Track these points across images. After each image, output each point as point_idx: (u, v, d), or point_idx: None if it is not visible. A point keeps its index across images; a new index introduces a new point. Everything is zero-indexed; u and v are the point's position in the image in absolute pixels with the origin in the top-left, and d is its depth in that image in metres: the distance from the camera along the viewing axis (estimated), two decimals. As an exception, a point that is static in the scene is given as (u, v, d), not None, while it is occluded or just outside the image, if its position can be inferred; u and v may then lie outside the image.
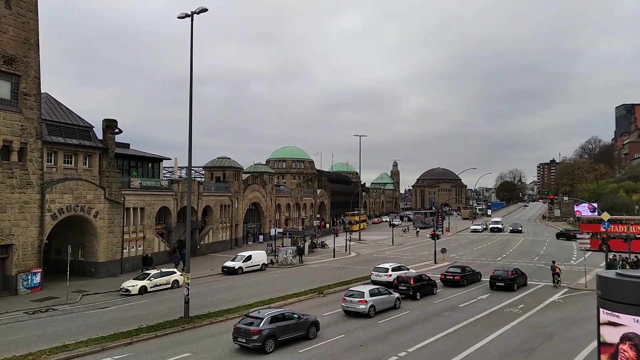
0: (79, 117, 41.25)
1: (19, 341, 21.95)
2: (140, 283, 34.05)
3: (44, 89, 35.71)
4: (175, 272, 36.91)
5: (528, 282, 36.40)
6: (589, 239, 39.20)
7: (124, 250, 42.97)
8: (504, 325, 24.63)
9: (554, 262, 36.85)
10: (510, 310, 28.12)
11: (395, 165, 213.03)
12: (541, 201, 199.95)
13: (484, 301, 30.91)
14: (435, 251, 50.50)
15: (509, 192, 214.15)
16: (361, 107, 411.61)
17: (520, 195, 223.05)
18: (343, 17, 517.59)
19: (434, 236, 51.59)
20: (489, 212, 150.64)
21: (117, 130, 42.74)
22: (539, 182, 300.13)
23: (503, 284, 34.01)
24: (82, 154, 39.83)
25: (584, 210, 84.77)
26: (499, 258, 52.73)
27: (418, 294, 31.59)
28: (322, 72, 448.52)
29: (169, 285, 35.65)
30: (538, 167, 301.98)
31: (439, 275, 37.56)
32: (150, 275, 35.25)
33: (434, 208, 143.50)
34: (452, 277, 36.15)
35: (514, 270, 35.28)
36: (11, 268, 32.69)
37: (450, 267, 38.82)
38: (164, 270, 37.00)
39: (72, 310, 28.93)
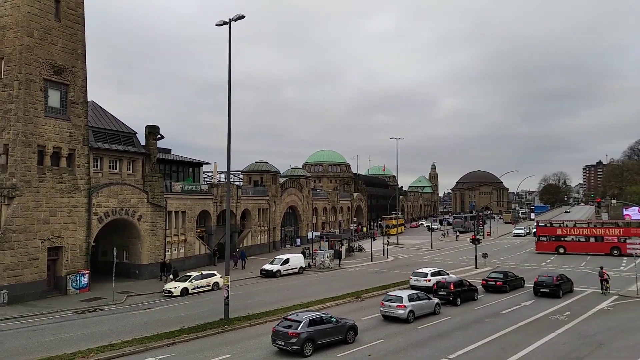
0: (123, 123, 42.74)
1: (68, 339, 22.87)
2: (182, 285, 34.85)
3: (89, 97, 37.24)
4: (215, 275, 37.56)
5: (574, 289, 35.03)
6: (638, 243, 37.48)
7: (166, 253, 44.13)
8: (549, 333, 23.77)
9: (601, 268, 35.32)
10: (556, 318, 27.12)
11: (433, 168, 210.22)
12: (589, 204, 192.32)
13: (527, 308, 29.96)
14: (476, 256, 49.38)
15: (553, 195, 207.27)
16: (395, 109, 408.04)
17: (565, 199, 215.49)
18: (374, 19, 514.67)
19: (475, 240, 50.46)
20: (532, 215, 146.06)
21: (159, 136, 44.01)
22: (584, 184, 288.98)
23: (548, 290, 32.87)
24: (126, 159, 41.21)
25: (634, 213, 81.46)
26: (543, 263, 51.01)
27: (458, 299, 30.94)
28: (354, 74, 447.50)
29: (210, 287, 36.33)
30: (584, 169, 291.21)
31: (480, 281, 36.69)
32: (192, 277, 36.02)
33: (474, 212, 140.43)
34: (494, 283, 35.24)
35: (559, 276, 34.03)
36: (61, 269, 34.13)
37: (492, 272, 37.86)
38: (204, 272, 37.73)
39: (118, 310, 29.92)
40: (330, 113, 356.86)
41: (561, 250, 58.18)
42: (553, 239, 59.14)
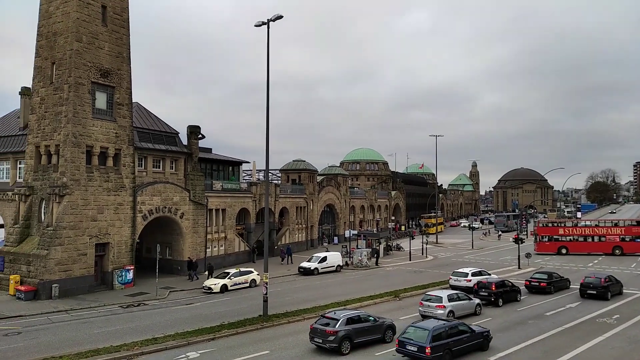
0: (166, 124, 43.98)
1: (114, 332, 23.79)
2: (222, 282, 35.57)
3: (133, 98, 38.42)
4: (252, 272, 38.14)
5: (624, 291, 33.57)
6: None
7: (207, 250, 45.13)
8: (596, 337, 22.88)
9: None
10: (604, 321, 26.05)
11: (474, 165, 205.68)
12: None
13: (573, 310, 28.91)
14: (519, 256, 48.08)
15: (601, 193, 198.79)
16: (433, 106, 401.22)
17: (615, 197, 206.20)
18: (410, 16, 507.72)
19: (518, 240, 49.14)
20: (579, 214, 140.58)
21: (200, 135, 45.03)
22: (635, 182, 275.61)
23: (595, 292, 31.62)
24: (169, 158, 42.39)
25: None
26: (590, 264, 49.09)
27: (500, 300, 30.22)
28: (391, 72, 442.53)
29: (247, 284, 36.96)
30: (635, 166, 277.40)
31: (523, 282, 35.70)
32: (231, 274, 36.71)
33: (517, 210, 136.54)
34: (537, 284, 34.20)
35: (608, 278, 32.67)
36: (108, 265, 35.50)
37: (536, 272, 36.75)
38: (242, 269, 38.34)
39: (161, 305, 30.87)
40: (366, 111, 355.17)
41: (563, 251, 57.25)
42: (555, 239, 58.02)
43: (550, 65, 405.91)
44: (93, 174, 34.33)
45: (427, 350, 18.32)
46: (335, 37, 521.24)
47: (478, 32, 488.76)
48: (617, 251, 55.65)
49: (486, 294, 30.42)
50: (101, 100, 35.40)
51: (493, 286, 30.59)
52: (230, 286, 35.78)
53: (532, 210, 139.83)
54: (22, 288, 31.30)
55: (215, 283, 35.43)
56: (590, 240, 57.26)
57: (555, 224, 62.21)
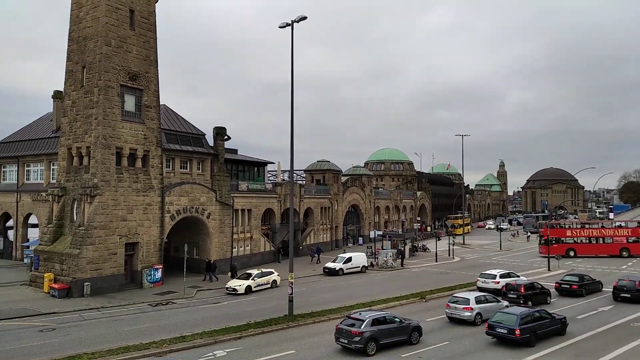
0: (193, 125, 44.64)
1: (144, 330, 24.26)
2: (246, 283, 35.22)
3: (160, 100, 39.07)
4: (273, 272, 37.86)
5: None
6: None
7: (233, 250, 45.60)
8: (630, 341, 22.17)
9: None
10: (639, 325, 25.23)
11: (502, 165, 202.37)
12: None
13: (606, 313, 28.09)
14: (548, 257, 46.97)
15: (635, 193, 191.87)
16: (458, 105, 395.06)
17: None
18: (433, 12, 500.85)
19: (548, 241, 48.03)
20: (611, 215, 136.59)
21: (226, 137, 45.55)
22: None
23: (629, 295, 30.66)
24: (195, 159, 43.02)
25: None
26: (624, 266, 47.61)
27: (529, 302, 29.56)
28: (413, 70, 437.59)
29: (269, 285, 36.86)
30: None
31: (553, 284, 34.88)
32: (254, 275, 36.41)
33: (546, 211, 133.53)
34: (568, 286, 33.37)
35: (643, 281, 31.63)
36: (137, 264, 36.23)
37: (567, 275, 35.87)
38: (263, 270, 37.79)
39: (189, 304, 31.33)
40: (390, 111, 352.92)
41: (571, 254, 55.35)
42: (563, 241, 56.15)
43: (575, 62, 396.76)
44: (123, 175, 35.09)
45: (516, 332, 20.93)
46: (356, 36, 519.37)
47: (500, 28, 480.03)
48: (624, 253, 54.33)
49: (515, 296, 29.86)
50: (130, 102, 36.16)
51: (522, 288, 30.02)
52: (254, 287, 35.66)
53: (562, 211, 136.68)
54: (56, 286, 32.24)
55: (239, 284, 35.20)
56: (596, 242, 55.67)
57: (564, 226, 60.37)
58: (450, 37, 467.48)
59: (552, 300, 31.37)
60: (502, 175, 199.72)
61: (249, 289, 35.14)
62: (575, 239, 56.40)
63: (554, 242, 55.19)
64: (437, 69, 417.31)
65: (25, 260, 43.10)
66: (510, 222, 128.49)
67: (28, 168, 48.02)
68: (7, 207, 49.23)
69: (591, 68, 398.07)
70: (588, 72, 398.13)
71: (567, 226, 60.14)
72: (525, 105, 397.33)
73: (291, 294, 26.82)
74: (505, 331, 21.28)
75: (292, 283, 27.11)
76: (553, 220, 76.24)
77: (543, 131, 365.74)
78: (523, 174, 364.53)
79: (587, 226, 58.96)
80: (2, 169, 51.28)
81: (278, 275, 37.81)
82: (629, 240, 54.88)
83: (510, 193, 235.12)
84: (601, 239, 55.70)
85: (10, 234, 50.55)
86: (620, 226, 57.61)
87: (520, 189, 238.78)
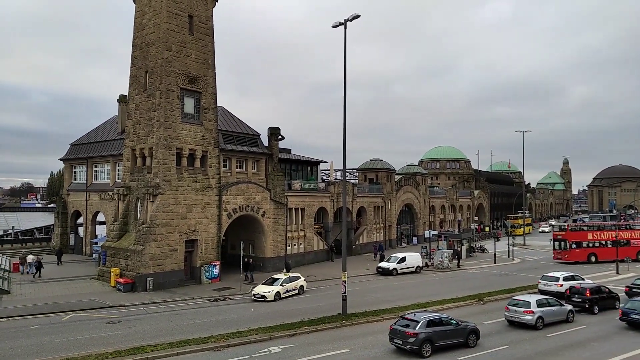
0: (248, 126, 45.68)
1: (202, 324, 25.12)
2: (275, 289, 32.50)
3: (217, 102, 40.25)
4: (299, 277, 35.30)
5: None
6: None
7: (287, 248, 46.27)
8: None
9: None
10: None
11: (565, 162, 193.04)
12: None
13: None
14: (617, 260, 44.27)
15: None
16: (517, 101, 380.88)
17: None
18: (489, 5, 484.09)
19: (616, 242, 45.29)
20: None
21: (280, 137, 46.27)
22: None
23: None
24: (251, 159, 44.01)
25: None
26: None
27: (596, 307, 28.10)
28: (469, 66, 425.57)
29: (296, 291, 34.19)
30: None
31: (623, 288, 32.86)
32: (281, 280, 33.57)
33: (614, 211, 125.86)
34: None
35: None
36: (196, 260, 37.55)
37: (638, 278, 33.65)
38: (291, 275, 35.36)
39: (245, 300, 32.09)
40: (444, 108, 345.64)
41: (592, 259, 51.25)
42: (584, 245, 51.78)
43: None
44: (182, 175, 36.47)
45: None
46: (409, 33, 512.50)
47: (564, 19, 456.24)
48: None
49: (579, 300, 28.44)
50: (189, 105, 37.50)
51: (587, 292, 28.53)
52: (283, 293, 32.79)
53: (632, 211, 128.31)
54: (121, 280, 34.04)
55: (268, 290, 32.21)
56: (617, 245, 49.47)
57: (584, 228, 54.74)
58: (507, 30, 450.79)
59: (621, 305, 29.53)
60: (566, 173, 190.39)
61: (277, 296, 32.33)
62: (595, 242, 52.23)
63: (575, 247, 51.68)
64: (495, 64, 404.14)
65: (94, 256, 45.81)
66: (575, 222, 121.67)
67: (96, 169, 50.99)
68: (78, 206, 52.51)
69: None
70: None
71: (587, 228, 54.45)
72: (591, 99, 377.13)
73: (344, 292, 26.85)
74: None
75: (345, 282, 27.13)
76: (579, 222, 70.54)
77: (611, 126, 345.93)
78: (589, 172, 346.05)
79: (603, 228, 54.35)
80: (73, 170, 54.76)
81: (305, 279, 35.64)
82: None
83: (574, 192, 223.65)
84: (619, 242, 49.90)
85: (81, 230, 53.94)
86: (631, 228, 53.34)
87: (586, 188, 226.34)
